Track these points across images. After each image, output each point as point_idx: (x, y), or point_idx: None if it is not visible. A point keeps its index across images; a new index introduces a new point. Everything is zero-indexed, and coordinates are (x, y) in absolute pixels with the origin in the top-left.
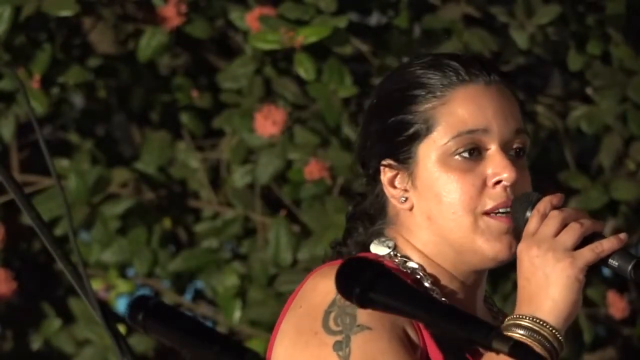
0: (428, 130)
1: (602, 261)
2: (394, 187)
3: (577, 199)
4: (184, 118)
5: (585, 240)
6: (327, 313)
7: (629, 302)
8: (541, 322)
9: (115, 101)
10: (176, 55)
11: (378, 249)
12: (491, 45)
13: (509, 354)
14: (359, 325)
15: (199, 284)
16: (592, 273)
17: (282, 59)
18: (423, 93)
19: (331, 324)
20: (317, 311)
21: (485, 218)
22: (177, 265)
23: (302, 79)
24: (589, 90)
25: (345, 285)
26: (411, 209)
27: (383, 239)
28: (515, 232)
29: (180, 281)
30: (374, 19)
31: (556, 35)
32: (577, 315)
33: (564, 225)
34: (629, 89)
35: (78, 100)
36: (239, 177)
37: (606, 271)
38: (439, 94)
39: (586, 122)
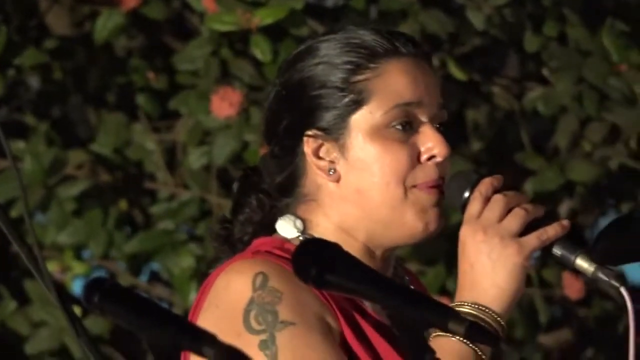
0: (362, 101)
1: (546, 249)
2: (319, 157)
3: (533, 180)
4: (140, 100)
5: (527, 226)
6: (246, 312)
7: (585, 283)
8: (484, 309)
9: (71, 83)
10: (132, 37)
11: (286, 229)
12: (448, 27)
13: (465, 336)
14: (282, 322)
15: (155, 265)
16: (548, 254)
17: (238, 41)
18: (356, 64)
19: (253, 323)
20: (235, 311)
21: (415, 190)
22: (132, 247)
23: (258, 61)
24: (545, 72)
25: (302, 267)
26: (338, 180)
27: (292, 218)
28: (445, 207)
29: (136, 263)
30: (331, 1)
31: (512, 17)
32: (533, 295)
33: (507, 210)
34: (585, 70)
35: (34, 82)
36: (195, 159)
37: None
38: (372, 65)
39: (542, 103)
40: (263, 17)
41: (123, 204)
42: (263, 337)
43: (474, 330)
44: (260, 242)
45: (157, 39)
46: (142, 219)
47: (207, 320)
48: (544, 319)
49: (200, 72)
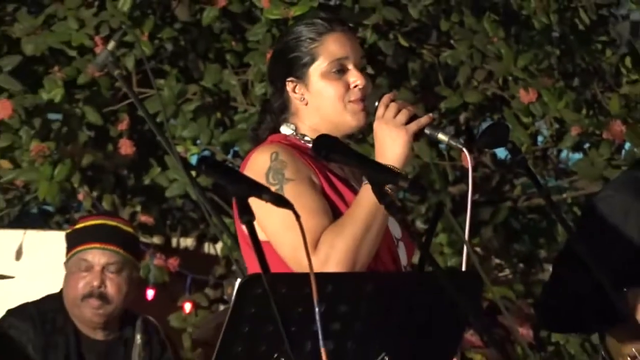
0: (314, 59)
1: (421, 130)
2: (295, 92)
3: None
4: (228, 56)
5: (411, 119)
6: (267, 173)
7: (474, 158)
8: (390, 166)
9: (190, 47)
10: (223, 22)
11: (286, 130)
12: None
13: (408, 189)
14: (287, 179)
15: (236, 148)
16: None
17: (283, 24)
18: (309, 39)
19: (270, 179)
20: (261, 172)
21: (350, 104)
22: (224, 138)
23: None
24: None
25: (317, 149)
26: (307, 104)
27: (288, 124)
28: (367, 112)
29: (226, 147)
30: (333, 0)
31: None
32: (445, 166)
33: (398, 111)
34: None
35: (169, 46)
36: (258, 89)
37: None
38: (318, 38)
39: None
40: (296, 10)
41: (218, 114)
42: (277, 187)
43: (413, 184)
44: (273, 137)
45: (237, 23)
46: (229, 122)
47: None
48: (451, 177)
49: (261, 42)
